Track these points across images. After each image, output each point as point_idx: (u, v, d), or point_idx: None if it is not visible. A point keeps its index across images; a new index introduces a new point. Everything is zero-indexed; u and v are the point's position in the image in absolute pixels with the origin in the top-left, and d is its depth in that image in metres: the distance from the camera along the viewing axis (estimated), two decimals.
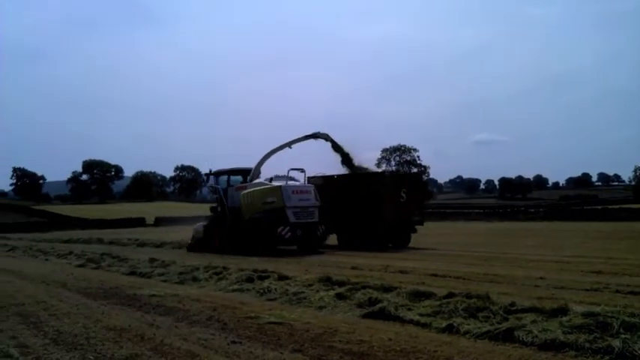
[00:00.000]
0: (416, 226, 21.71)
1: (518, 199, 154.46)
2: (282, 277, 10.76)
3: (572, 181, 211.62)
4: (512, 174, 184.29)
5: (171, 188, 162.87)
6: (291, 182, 20.62)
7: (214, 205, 23.47)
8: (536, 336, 5.77)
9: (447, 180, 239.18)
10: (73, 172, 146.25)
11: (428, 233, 29.82)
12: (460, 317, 6.83)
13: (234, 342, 6.34)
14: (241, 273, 11.55)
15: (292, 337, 6.50)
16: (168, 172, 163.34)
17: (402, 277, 11.12)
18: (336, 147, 23.14)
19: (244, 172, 22.61)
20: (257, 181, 21.44)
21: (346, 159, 23.03)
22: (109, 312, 8.58)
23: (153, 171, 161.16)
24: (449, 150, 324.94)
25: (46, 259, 20.09)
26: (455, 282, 10.46)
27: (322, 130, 22.99)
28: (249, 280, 10.79)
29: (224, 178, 22.83)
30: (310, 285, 9.69)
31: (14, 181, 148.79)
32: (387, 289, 8.78)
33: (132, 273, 13.91)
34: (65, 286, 12.03)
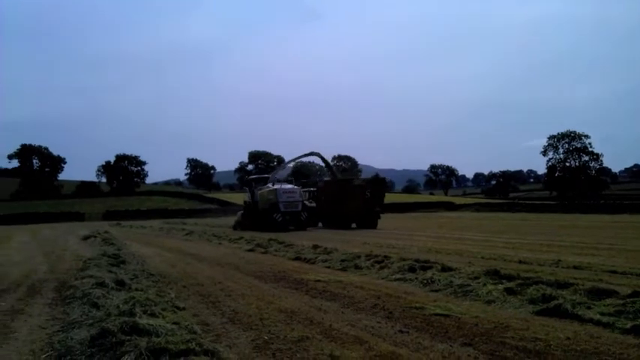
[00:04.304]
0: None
1: None
2: (445, 269, 10.49)
3: None
4: None
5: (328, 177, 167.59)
6: (284, 185, 32.64)
7: (246, 199, 35.00)
8: None
9: (623, 169, 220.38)
10: (240, 163, 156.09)
11: (602, 227, 27.46)
12: None
13: (401, 331, 6.32)
14: (403, 262, 11.46)
15: (461, 330, 6.32)
16: None
17: (577, 273, 10.30)
18: (325, 161, 38.04)
19: (265, 179, 34.69)
20: (268, 184, 32.67)
21: (330, 169, 37.85)
22: (279, 295, 8.99)
23: (312, 161, 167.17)
24: (626, 136, 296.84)
25: (219, 243, 21.46)
26: (638, 280, 9.52)
27: (315, 149, 36.43)
28: (412, 269, 10.68)
29: (252, 182, 35.11)
30: (476, 278, 9.35)
31: (189, 171, 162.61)
32: (561, 286, 8.23)
33: (297, 258, 14.48)
34: (238, 268, 12.83)
